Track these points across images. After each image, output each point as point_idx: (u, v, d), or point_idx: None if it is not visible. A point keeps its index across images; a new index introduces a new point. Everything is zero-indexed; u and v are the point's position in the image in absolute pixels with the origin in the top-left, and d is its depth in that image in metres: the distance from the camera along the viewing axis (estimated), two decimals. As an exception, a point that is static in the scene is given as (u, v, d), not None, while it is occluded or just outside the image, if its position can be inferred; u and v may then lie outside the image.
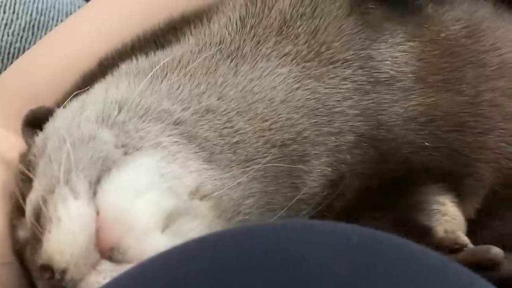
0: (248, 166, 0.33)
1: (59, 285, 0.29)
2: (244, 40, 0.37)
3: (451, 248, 0.33)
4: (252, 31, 0.37)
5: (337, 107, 0.36)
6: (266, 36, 0.37)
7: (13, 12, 0.57)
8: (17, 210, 0.36)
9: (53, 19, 0.60)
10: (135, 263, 0.27)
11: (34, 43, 0.58)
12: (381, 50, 0.37)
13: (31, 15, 0.58)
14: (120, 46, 0.42)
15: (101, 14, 0.45)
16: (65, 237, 0.29)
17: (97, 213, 0.29)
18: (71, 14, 0.60)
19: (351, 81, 0.36)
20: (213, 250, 0.23)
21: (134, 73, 0.37)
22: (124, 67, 0.39)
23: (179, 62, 0.36)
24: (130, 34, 0.42)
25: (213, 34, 0.38)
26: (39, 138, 0.37)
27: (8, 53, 0.58)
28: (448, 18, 0.40)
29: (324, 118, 0.36)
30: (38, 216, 0.31)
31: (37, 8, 0.59)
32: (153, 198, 0.30)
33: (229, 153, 0.33)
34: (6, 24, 0.58)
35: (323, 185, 0.36)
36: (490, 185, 0.39)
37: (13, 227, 0.36)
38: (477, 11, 0.41)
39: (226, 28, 0.38)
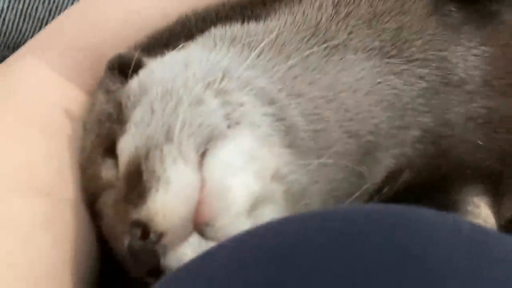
0: (323, 154, 0.34)
1: (149, 247, 0.29)
2: (338, 30, 0.37)
3: None
4: (345, 21, 0.38)
5: (410, 103, 0.38)
6: (358, 29, 0.37)
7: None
8: (101, 147, 0.36)
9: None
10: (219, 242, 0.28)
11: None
12: (457, 53, 0.38)
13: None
14: (203, 11, 0.41)
15: None
16: (173, 202, 0.29)
17: (202, 185, 0.30)
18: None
19: (426, 80, 0.38)
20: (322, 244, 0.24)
21: (229, 41, 0.37)
22: (218, 32, 0.38)
23: (275, 40, 0.36)
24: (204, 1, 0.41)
25: (309, 17, 0.38)
26: (135, 82, 0.36)
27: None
28: None
29: (398, 112, 0.37)
30: (138, 167, 0.31)
31: None
32: (247, 181, 0.30)
33: (310, 139, 0.34)
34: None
35: (383, 176, 0.38)
36: None
37: (94, 164, 0.36)
38: None
39: (320, 12, 0.38)
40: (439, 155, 0.40)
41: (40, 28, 0.58)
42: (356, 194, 0.35)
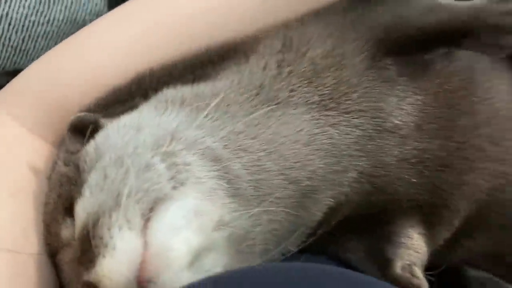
0: (264, 200, 0.38)
1: None
2: (281, 88, 0.41)
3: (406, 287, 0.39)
4: (287, 79, 0.41)
5: (346, 150, 0.41)
6: (298, 86, 0.41)
7: (30, -15, 0.57)
8: (62, 207, 0.39)
9: (68, -6, 0.60)
10: None
11: (49, 18, 0.59)
12: (392, 103, 0.42)
13: (47, -11, 0.58)
14: (159, 70, 0.43)
15: (135, 28, 0.45)
16: (117, 267, 0.32)
17: (145, 247, 0.33)
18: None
19: (361, 129, 0.41)
20: None
21: (179, 102, 0.40)
22: (169, 93, 0.41)
23: (222, 101, 0.39)
24: (161, 58, 0.44)
25: (254, 78, 0.41)
26: (91, 147, 0.39)
27: (23, 26, 0.59)
28: (450, 71, 0.44)
29: (335, 159, 0.41)
30: (90, 230, 0.34)
31: (53, -18, 0.59)
32: (188, 237, 0.34)
33: (252, 188, 0.38)
34: (22, -3, 0.58)
35: (324, 213, 0.43)
36: (467, 214, 0.46)
37: (55, 222, 0.39)
38: (474, 65, 0.45)
39: (265, 73, 0.41)
40: (376, 192, 0.44)
41: (13, 57, 0.61)
42: (291, 239, 0.39)
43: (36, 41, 0.60)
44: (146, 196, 0.34)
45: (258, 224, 0.38)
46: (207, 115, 0.38)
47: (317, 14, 0.44)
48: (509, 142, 0.46)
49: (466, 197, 0.46)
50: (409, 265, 0.42)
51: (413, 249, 0.44)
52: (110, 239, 0.33)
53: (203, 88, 0.41)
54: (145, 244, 0.33)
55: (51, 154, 0.44)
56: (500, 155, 0.46)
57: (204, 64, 0.43)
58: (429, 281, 0.45)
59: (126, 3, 0.47)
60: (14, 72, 0.55)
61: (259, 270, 0.31)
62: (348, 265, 0.46)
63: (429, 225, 0.46)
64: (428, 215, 0.46)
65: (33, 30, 0.59)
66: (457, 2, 0.43)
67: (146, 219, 0.34)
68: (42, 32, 0.59)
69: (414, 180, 0.44)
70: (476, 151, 0.45)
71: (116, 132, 0.39)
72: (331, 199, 0.42)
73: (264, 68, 0.41)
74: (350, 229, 0.45)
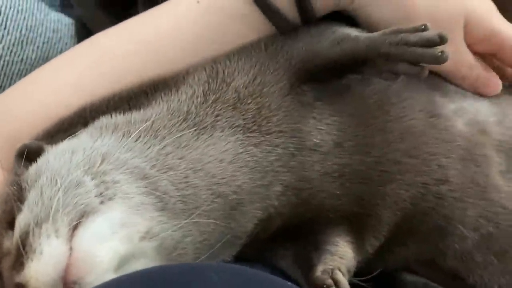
0: (192, 213, 0.43)
1: None
2: (206, 114, 0.46)
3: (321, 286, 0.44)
4: (213, 105, 0.47)
5: (269, 166, 0.47)
6: (224, 111, 0.46)
7: (4, 29, 0.65)
8: (5, 221, 0.44)
9: (40, 35, 0.67)
10: None
11: (23, 57, 0.66)
12: (309, 124, 0.47)
13: (20, 31, 0.65)
14: (98, 102, 0.49)
15: (78, 69, 0.51)
16: (42, 268, 0.38)
17: (70, 252, 0.38)
18: (57, 31, 0.68)
19: (282, 148, 0.47)
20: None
21: (112, 128, 0.46)
22: (104, 121, 0.47)
23: (151, 125, 0.45)
24: (101, 92, 0.50)
25: (182, 105, 0.47)
26: (33, 169, 0.45)
27: (-2, 65, 0.66)
28: (364, 94, 0.50)
29: (259, 174, 0.46)
30: (24, 239, 0.39)
31: (26, 25, 0.66)
32: (113, 245, 0.39)
33: (180, 203, 0.43)
34: (-3, 40, 0.65)
35: (254, 224, 0.47)
36: (393, 222, 0.50)
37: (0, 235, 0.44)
38: (389, 87, 0.50)
39: (192, 100, 0.47)
40: (302, 204, 0.49)
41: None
42: (217, 246, 0.44)
43: (11, 78, 0.66)
44: (74, 209, 0.40)
45: (188, 235, 0.43)
46: (136, 138, 0.44)
47: (241, 49, 0.50)
48: (425, 154, 0.51)
49: (389, 206, 0.50)
50: (331, 269, 0.46)
51: (337, 255, 0.49)
52: (39, 245, 0.38)
53: (135, 115, 0.47)
54: (71, 250, 0.39)
55: (6, 180, 0.50)
56: (417, 167, 0.50)
57: (137, 95, 0.49)
58: (363, 287, 0.49)
59: (72, 48, 0.54)
60: None
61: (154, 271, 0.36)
62: (280, 271, 0.50)
63: (356, 234, 0.51)
64: (354, 225, 0.50)
65: (8, 68, 0.65)
66: (360, 34, 0.49)
67: (73, 228, 0.39)
68: (16, 70, 0.66)
69: (338, 192, 0.49)
70: (393, 164, 0.50)
71: (54, 155, 0.45)
72: (259, 211, 0.47)
73: (192, 96, 0.47)
74: (283, 238, 0.50)
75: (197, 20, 0.50)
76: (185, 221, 0.42)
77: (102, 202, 0.41)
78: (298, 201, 0.48)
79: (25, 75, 0.67)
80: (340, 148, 0.48)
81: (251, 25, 0.50)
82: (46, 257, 0.38)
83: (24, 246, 0.39)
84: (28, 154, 0.47)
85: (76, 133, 0.47)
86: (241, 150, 0.46)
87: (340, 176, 0.48)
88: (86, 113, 0.49)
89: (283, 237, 0.50)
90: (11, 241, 0.43)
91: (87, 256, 0.38)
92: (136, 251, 0.40)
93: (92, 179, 0.42)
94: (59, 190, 0.40)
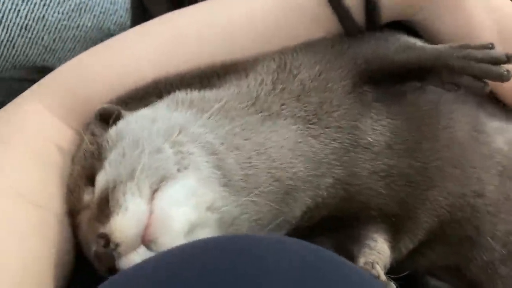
0: (251, 192, 0.45)
1: (108, 252, 0.40)
2: (273, 102, 0.48)
3: None
4: (280, 94, 0.49)
5: (325, 158, 0.49)
6: (289, 101, 0.49)
7: (66, -7, 0.66)
8: (85, 177, 0.46)
9: (98, 5, 0.68)
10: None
11: (79, 24, 0.67)
12: (366, 123, 0.49)
13: (81, -3, 0.66)
14: (172, 77, 0.52)
15: (154, 44, 0.53)
16: (127, 223, 0.40)
17: (150, 212, 0.41)
18: (114, 3, 0.69)
19: (338, 142, 0.49)
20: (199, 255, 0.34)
21: (187, 103, 0.48)
22: (180, 95, 0.49)
23: (223, 105, 0.47)
24: (173, 70, 0.52)
25: (251, 90, 0.49)
26: (113, 131, 0.47)
27: (56, 28, 0.67)
28: (419, 101, 0.52)
29: (314, 164, 0.48)
30: (108, 194, 0.41)
31: (87, -8, 0.67)
32: (186, 211, 0.41)
33: (242, 181, 0.45)
34: (58, 3, 0.66)
35: (303, 211, 0.50)
36: (429, 227, 0.53)
37: (78, 189, 0.47)
38: (441, 98, 0.53)
39: (261, 87, 0.49)
40: (349, 198, 0.51)
41: (44, 54, 0.68)
42: (271, 226, 0.46)
43: (65, 42, 0.67)
44: (155, 173, 0.42)
45: (245, 213, 0.45)
46: (210, 116, 0.46)
47: (307, 44, 0.53)
48: (467, 166, 0.53)
49: (428, 211, 0.53)
50: (371, 262, 0.48)
51: (376, 250, 0.51)
52: (124, 202, 0.41)
53: (208, 94, 0.49)
54: (151, 210, 0.41)
55: (74, 139, 0.52)
56: (458, 177, 0.53)
57: (209, 75, 0.52)
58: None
59: (147, 22, 0.56)
60: (43, 68, 0.63)
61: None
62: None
63: (394, 233, 0.53)
64: (394, 225, 0.53)
65: (64, 33, 0.66)
66: (426, 45, 0.51)
67: (154, 191, 0.42)
68: (71, 35, 0.67)
69: (383, 192, 0.51)
70: (437, 172, 0.52)
71: (134, 121, 0.47)
72: (309, 199, 0.49)
73: (260, 83, 0.49)
74: (325, 227, 0.52)
75: (271, 13, 0.52)
76: (244, 198, 0.44)
77: (179, 170, 0.43)
78: (345, 195, 0.50)
79: (79, 41, 0.69)
80: (390, 150, 0.50)
81: (321, 24, 0.52)
82: (131, 213, 0.40)
83: (107, 201, 0.41)
84: (106, 117, 0.49)
85: (152, 103, 0.49)
86: (300, 140, 0.48)
87: (387, 176, 0.50)
88: (161, 85, 0.51)
89: (324, 227, 0.52)
90: (91, 196, 0.45)
91: (165, 218, 0.40)
92: (201, 220, 0.42)
93: (171, 147, 0.44)
94: (142, 152, 0.42)
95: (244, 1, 0.54)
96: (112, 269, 0.40)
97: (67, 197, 0.47)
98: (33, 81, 0.57)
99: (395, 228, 0.53)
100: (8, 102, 0.55)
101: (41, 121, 0.51)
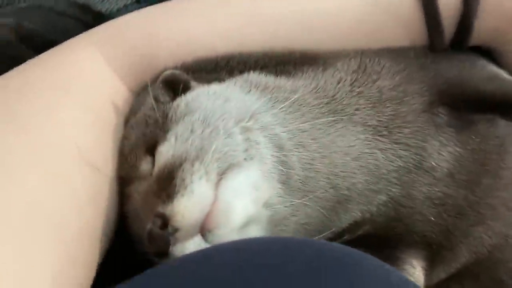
0: (306, 195, 0.43)
1: (165, 236, 0.37)
2: (348, 104, 0.46)
3: None
4: (356, 98, 0.46)
5: (386, 174, 0.46)
6: (363, 107, 0.46)
7: None
8: (144, 145, 0.43)
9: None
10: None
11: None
12: (434, 147, 0.47)
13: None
14: (247, 54, 0.48)
15: (235, 14, 0.49)
16: (191, 207, 0.37)
17: (214, 200, 0.38)
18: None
19: (403, 161, 0.47)
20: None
21: (262, 88, 0.45)
22: (254, 77, 0.46)
23: (298, 98, 0.44)
24: (246, 48, 0.49)
25: (328, 88, 0.46)
26: (183, 102, 0.44)
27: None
28: (489, 135, 0.50)
29: (374, 179, 0.46)
30: (172, 171, 0.38)
31: None
32: (246, 204, 0.39)
33: (300, 182, 0.43)
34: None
35: (349, 223, 0.47)
36: (466, 262, 0.51)
37: (135, 156, 0.43)
38: (510, 135, 0.51)
39: (339, 87, 0.46)
40: (397, 219, 0.49)
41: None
42: (322, 235, 0.43)
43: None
44: (224, 158, 0.39)
45: (295, 215, 0.43)
46: (283, 107, 0.43)
47: (390, 50, 0.50)
48: None
49: (470, 246, 0.51)
50: None
51: (414, 278, 0.49)
52: (190, 183, 0.38)
53: (284, 82, 0.46)
54: (216, 197, 0.38)
55: (129, 99, 0.49)
56: (508, 219, 0.51)
57: (287, 62, 0.48)
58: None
59: None
60: (83, 6, 0.59)
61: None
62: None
63: (431, 262, 0.51)
64: (433, 254, 0.51)
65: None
66: None
67: (220, 177, 0.39)
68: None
69: (432, 219, 0.49)
70: (490, 209, 0.50)
71: (206, 95, 0.44)
72: (359, 213, 0.47)
73: (339, 82, 0.46)
74: (364, 243, 0.50)
75: (361, 9, 0.49)
76: (298, 200, 0.42)
77: (245, 159, 0.40)
78: (394, 215, 0.48)
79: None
80: (451, 179, 0.48)
81: (410, 32, 0.49)
82: (196, 197, 0.37)
83: (171, 178, 0.38)
84: (171, 84, 0.45)
85: (223, 79, 0.45)
86: (366, 150, 0.45)
87: (441, 204, 0.49)
88: (234, 61, 0.48)
89: (363, 243, 0.50)
90: (149, 167, 0.42)
91: (227, 208, 0.38)
92: (256, 215, 0.40)
93: (240, 133, 0.41)
94: (214, 133, 0.39)
95: None
96: (163, 253, 0.37)
97: (120, 163, 0.44)
98: (74, 18, 0.53)
99: (433, 257, 0.51)
100: (47, 33, 0.51)
101: (99, 74, 0.47)
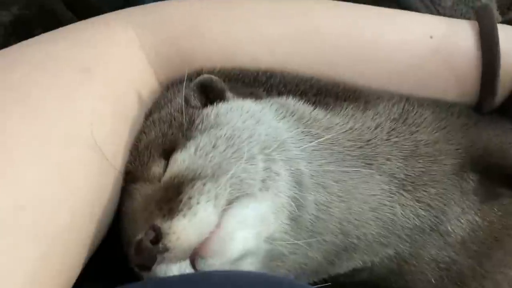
0: (312, 236, 0.41)
1: (153, 251, 0.34)
2: (381, 153, 0.43)
3: None
4: (390, 147, 0.43)
5: (399, 230, 0.44)
6: (395, 158, 0.43)
7: None
8: (162, 147, 0.40)
9: None
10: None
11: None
12: (455, 212, 0.45)
13: None
14: (289, 76, 0.45)
15: (282, 29, 0.46)
16: (189, 231, 0.35)
17: (216, 227, 0.35)
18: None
19: (421, 221, 0.44)
20: None
21: (297, 117, 0.42)
22: (291, 103, 0.43)
23: (332, 136, 0.42)
24: (291, 66, 0.45)
25: (365, 131, 0.43)
26: (213, 112, 0.41)
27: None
28: (510, 210, 0.48)
29: (385, 232, 0.44)
30: (181, 184, 0.36)
31: None
32: (248, 237, 0.37)
33: (310, 222, 0.41)
34: None
35: (348, 269, 0.45)
36: None
37: (148, 155, 0.40)
38: None
39: (376, 133, 0.43)
40: (397, 274, 0.47)
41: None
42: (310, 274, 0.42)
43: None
44: (239, 184, 0.37)
45: (295, 254, 0.41)
46: (313, 143, 0.40)
47: (434, 102, 0.47)
48: None
49: None
50: None
51: None
52: (197, 204, 0.35)
53: (321, 116, 0.44)
54: (218, 225, 0.36)
55: (156, 91, 0.45)
56: None
57: (328, 93, 0.45)
58: None
59: (285, 1, 0.47)
60: None
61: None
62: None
63: None
64: None
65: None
66: None
67: (228, 204, 0.36)
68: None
69: (433, 281, 0.47)
70: (493, 285, 0.48)
71: (239, 112, 0.41)
72: (361, 262, 0.45)
73: (376, 127, 0.44)
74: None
75: (420, 54, 0.46)
76: (303, 240, 0.39)
77: (260, 190, 0.38)
78: (396, 270, 0.47)
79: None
80: (462, 246, 0.46)
81: (462, 86, 0.46)
82: (197, 222, 0.35)
83: (179, 191, 0.35)
84: (206, 87, 0.43)
85: (259, 96, 0.43)
86: (387, 203, 0.43)
87: (445, 269, 0.47)
88: (275, 80, 0.45)
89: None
90: (160, 170, 0.39)
91: (227, 238, 0.36)
92: (256, 248, 0.38)
93: (264, 161, 0.38)
94: (236, 155, 0.37)
95: (399, 30, 0.46)
96: (144, 267, 0.35)
97: (132, 158, 0.41)
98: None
99: None
100: None
101: (131, 59, 0.44)
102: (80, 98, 0.39)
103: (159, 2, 0.46)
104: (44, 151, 0.35)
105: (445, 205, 0.45)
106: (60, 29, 0.43)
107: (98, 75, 0.41)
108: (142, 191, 0.39)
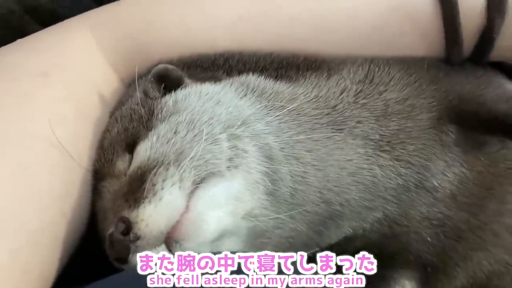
0: (293, 208, 0.40)
1: (125, 242, 0.35)
2: (351, 116, 0.42)
3: None
4: (359, 110, 0.43)
5: (382, 192, 0.44)
6: (366, 120, 0.43)
7: None
8: (125, 142, 0.41)
9: None
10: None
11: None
12: (439, 166, 0.44)
13: None
14: (248, 54, 0.45)
15: (241, 11, 0.46)
16: (156, 217, 0.35)
17: (185, 210, 0.36)
18: None
19: (403, 179, 0.44)
20: None
21: (258, 93, 0.42)
22: (252, 80, 0.43)
23: (296, 107, 0.41)
24: (252, 46, 0.45)
25: (330, 97, 0.43)
26: (171, 100, 0.41)
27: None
28: (498, 157, 0.47)
29: (369, 196, 0.43)
30: (145, 173, 0.36)
31: None
32: (221, 216, 0.36)
33: (289, 195, 0.41)
34: None
35: (339, 239, 0.45)
36: (460, 286, 0.48)
37: (113, 152, 0.41)
38: None
39: (342, 97, 0.43)
40: (391, 237, 0.46)
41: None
42: (308, 253, 0.41)
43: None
44: (204, 166, 0.37)
45: (279, 228, 0.41)
46: (278, 115, 0.40)
47: (401, 60, 0.46)
48: None
49: (467, 272, 0.48)
50: None
51: None
52: (160, 189, 0.35)
53: (283, 88, 0.43)
54: (187, 208, 0.36)
55: (119, 89, 0.46)
56: (511, 246, 0.48)
57: (289, 66, 0.45)
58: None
59: None
60: None
61: None
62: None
63: (424, 284, 0.49)
64: (427, 276, 0.48)
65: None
66: None
67: (196, 186, 0.36)
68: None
69: (429, 240, 0.46)
70: (492, 235, 0.47)
71: (197, 95, 0.41)
72: (350, 229, 0.45)
73: (342, 92, 0.43)
74: None
75: (378, 15, 0.45)
76: (284, 214, 0.39)
77: (228, 168, 0.38)
78: (388, 233, 0.46)
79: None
80: (453, 200, 0.45)
81: (427, 40, 0.46)
82: (164, 206, 0.35)
83: (143, 181, 0.36)
84: (163, 78, 0.43)
85: (219, 78, 0.43)
86: (365, 166, 0.43)
87: (439, 226, 0.46)
88: (233, 60, 0.45)
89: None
90: (125, 165, 0.40)
91: (198, 220, 0.36)
92: (234, 227, 0.38)
93: (227, 140, 0.39)
94: (197, 137, 0.37)
95: None
96: (121, 260, 0.35)
97: (98, 156, 0.42)
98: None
99: (427, 279, 0.49)
100: (54, 6, 0.49)
101: (90, 60, 0.45)
102: (39, 100, 0.40)
103: (114, 2, 0.47)
104: (4, 151, 0.36)
105: (426, 160, 0.44)
106: (19, 40, 0.44)
107: (57, 78, 0.42)
108: (110, 188, 0.40)
